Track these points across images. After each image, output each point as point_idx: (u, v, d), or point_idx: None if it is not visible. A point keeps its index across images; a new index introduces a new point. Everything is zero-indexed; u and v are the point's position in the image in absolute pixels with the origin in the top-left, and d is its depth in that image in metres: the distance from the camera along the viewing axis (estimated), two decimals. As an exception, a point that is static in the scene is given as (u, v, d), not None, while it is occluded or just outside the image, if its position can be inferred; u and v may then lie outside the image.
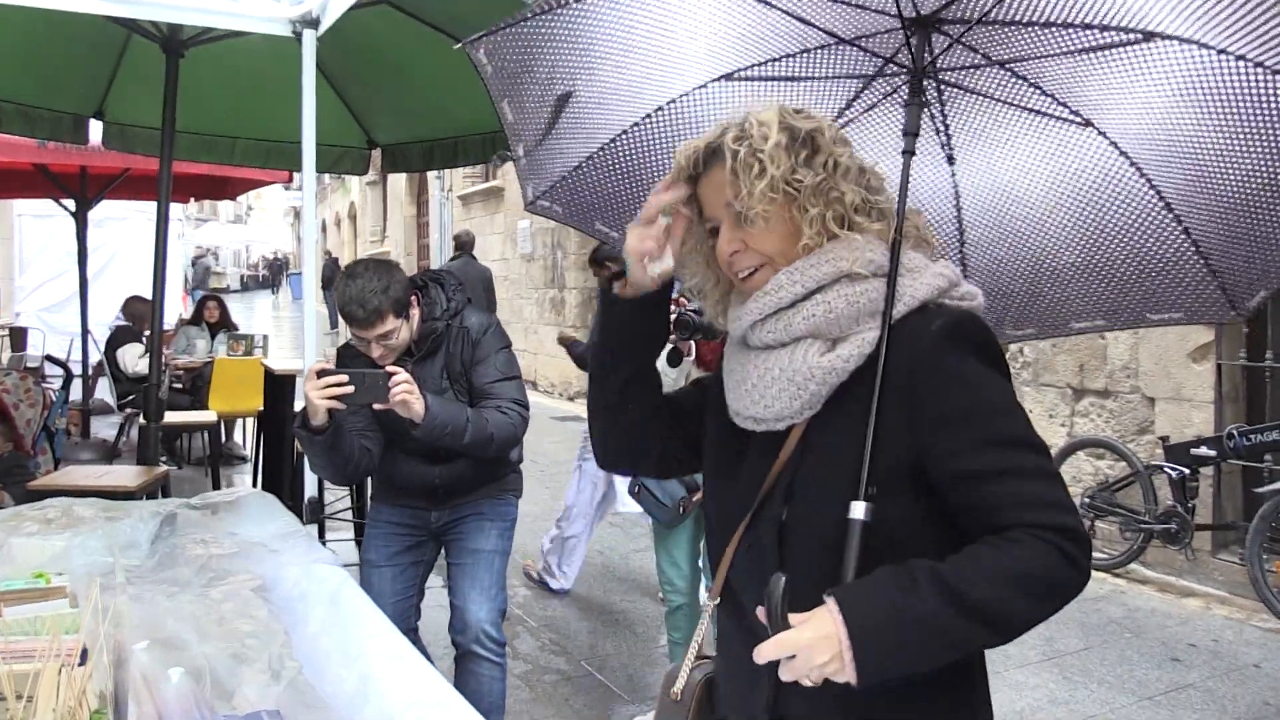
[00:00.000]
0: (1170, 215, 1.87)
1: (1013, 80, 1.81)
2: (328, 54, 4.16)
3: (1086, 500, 6.09)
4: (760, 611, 1.27)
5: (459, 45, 1.97)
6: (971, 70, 1.82)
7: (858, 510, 1.30)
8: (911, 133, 1.65)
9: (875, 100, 1.94)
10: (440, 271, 3.28)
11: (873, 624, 1.22)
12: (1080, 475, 6.39)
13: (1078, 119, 1.81)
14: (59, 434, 5.22)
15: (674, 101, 1.93)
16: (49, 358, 7.99)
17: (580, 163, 2.04)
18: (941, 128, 1.93)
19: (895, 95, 1.90)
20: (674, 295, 3.35)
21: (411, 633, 3.13)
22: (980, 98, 1.88)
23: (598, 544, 6.33)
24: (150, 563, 2.43)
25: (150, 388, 4.27)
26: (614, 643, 4.67)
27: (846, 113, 1.96)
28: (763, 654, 1.25)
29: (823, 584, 1.27)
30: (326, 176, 24.81)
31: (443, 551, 3.25)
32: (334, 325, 25.37)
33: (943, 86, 1.88)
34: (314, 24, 3.16)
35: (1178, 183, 1.83)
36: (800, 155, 1.40)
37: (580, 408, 12.19)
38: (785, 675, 1.24)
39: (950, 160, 1.96)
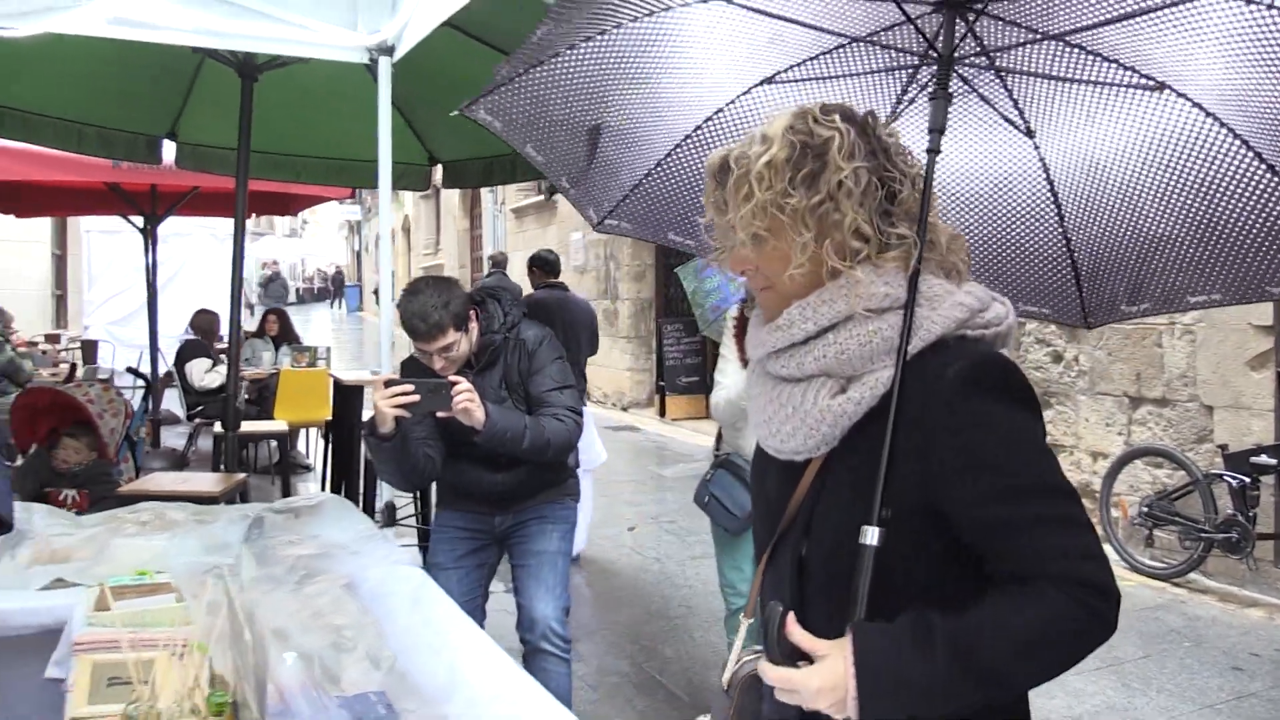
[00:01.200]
0: (1273, 176, 1.77)
1: (1068, 51, 1.76)
2: (392, 74, 4.31)
3: (1145, 509, 6.07)
4: (763, 667, 1.31)
5: (455, 112, 2.06)
6: (1026, 47, 1.77)
7: (870, 535, 1.29)
8: (936, 129, 1.59)
9: (920, 91, 1.93)
10: (497, 288, 3.42)
11: (882, 676, 1.22)
12: (1138, 484, 6.36)
13: (1150, 83, 1.75)
14: (140, 443, 5.43)
15: (721, 111, 2.00)
16: (131, 369, 8.29)
17: (640, 180, 2.13)
18: (1008, 103, 1.88)
19: (961, 82, 1.86)
20: (743, 299, 3.45)
21: (479, 633, 3.26)
22: (1039, 74, 1.83)
23: (655, 552, 6.44)
24: (243, 563, 2.57)
25: (228, 398, 4.45)
26: (674, 647, 4.76)
27: (903, 99, 1.94)
28: (766, 675, 1.29)
29: (837, 613, 1.29)
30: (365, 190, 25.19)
31: (505, 555, 3.38)
32: (389, 337, 25.74)
33: (1003, 73, 1.84)
34: (389, 51, 3.31)
35: (1273, 141, 1.73)
36: (800, 172, 1.34)
37: (633, 418, 12.31)
38: (780, 698, 1.29)
39: (1029, 133, 1.91)
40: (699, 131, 2.04)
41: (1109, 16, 1.63)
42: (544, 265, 6.97)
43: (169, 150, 6.23)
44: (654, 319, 12.92)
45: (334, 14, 3.23)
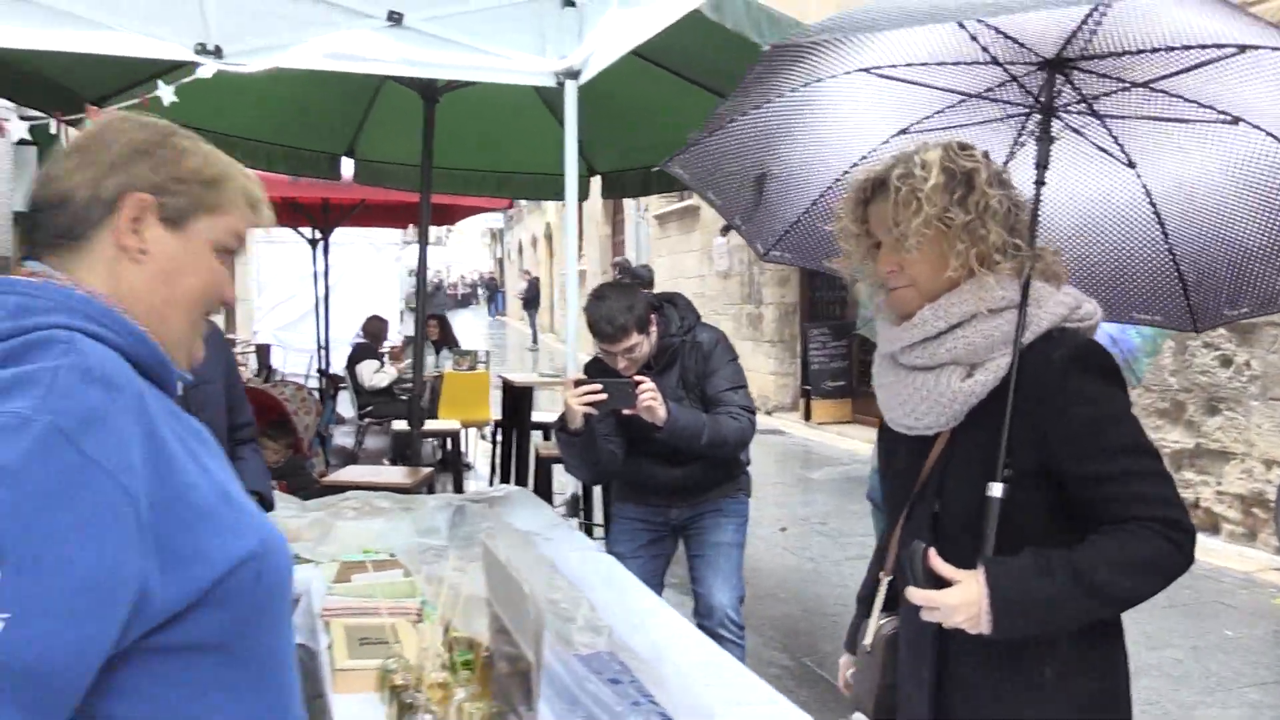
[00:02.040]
0: None
1: (1154, 95, 2.01)
2: (555, 90, 4.54)
3: (1323, 518, 5.83)
4: (910, 590, 1.60)
5: (657, 168, 2.54)
6: (1118, 94, 2.04)
7: (995, 490, 1.59)
8: (1041, 165, 1.91)
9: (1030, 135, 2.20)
10: (674, 293, 3.62)
11: (1011, 595, 1.53)
12: (1316, 492, 6.11)
13: (1227, 118, 1.99)
14: (329, 439, 5.86)
15: (866, 157, 2.28)
16: (321, 371, 8.89)
17: (799, 217, 2.46)
18: (1110, 141, 2.16)
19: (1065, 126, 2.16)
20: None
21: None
22: (1133, 117, 2.10)
23: (809, 552, 6.55)
24: (453, 544, 2.83)
25: (413, 398, 4.79)
26: (832, 643, 4.86)
27: (1017, 142, 2.22)
28: (913, 596, 1.59)
29: (967, 557, 1.57)
30: (523, 200, 25.97)
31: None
32: (535, 342, 26.50)
33: (1102, 116, 2.11)
34: (575, 75, 3.54)
35: None
36: (955, 194, 1.64)
37: (778, 421, 12.38)
38: (925, 616, 1.59)
39: (1131, 165, 2.19)
40: (846, 175, 2.32)
41: (1179, 68, 1.90)
42: (633, 275, 8.96)
43: (347, 166, 6.67)
44: (798, 323, 12.96)
45: (524, 41, 3.47)
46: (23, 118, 3.66)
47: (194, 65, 3.29)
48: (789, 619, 5.26)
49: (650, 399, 3.06)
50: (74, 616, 0.86)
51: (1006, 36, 1.91)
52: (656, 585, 3.50)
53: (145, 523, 0.91)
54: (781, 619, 5.24)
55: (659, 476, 3.40)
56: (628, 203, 19.13)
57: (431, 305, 28.18)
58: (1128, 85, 1.99)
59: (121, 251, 1.09)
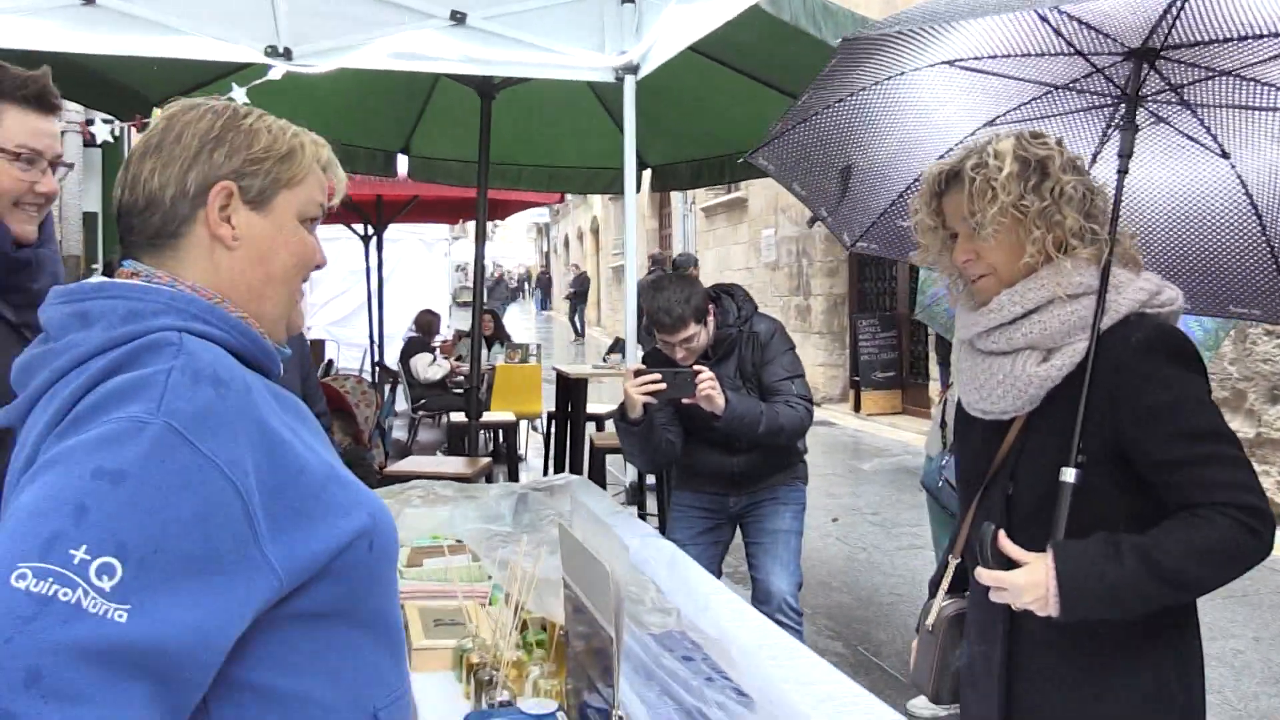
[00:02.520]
0: None
1: (1245, 84, 2.01)
2: (609, 85, 4.59)
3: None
4: (980, 571, 1.64)
5: (743, 159, 2.59)
6: (1207, 83, 2.03)
7: (1068, 475, 1.61)
8: (1125, 154, 1.92)
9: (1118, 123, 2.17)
10: (732, 284, 3.67)
11: (1079, 578, 1.54)
12: (1380, 483, 6.00)
13: None
14: (389, 431, 5.97)
15: (953, 149, 2.28)
16: (379, 364, 9.06)
17: (885, 209, 2.49)
18: (1202, 131, 2.15)
19: (1151, 115, 2.15)
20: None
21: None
22: (1224, 105, 2.09)
23: (861, 542, 6.56)
24: (518, 531, 2.90)
25: (471, 390, 4.88)
26: (887, 632, 4.89)
27: (1106, 133, 2.23)
28: (982, 577, 1.62)
29: (1039, 540, 1.60)
30: (570, 194, 26.07)
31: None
32: (579, 335, 26.63)
33: (1191, 106, 2.10)
34: (634, 70, 3.59)
35: None
36: (1030, 182, 1.67)
37: (827, 413, 12.35)
38: (994, 597, 1.62)
39: (1224, 155, 2.17)
40: None
41: (1270, 55, 1.90)
42: (675, 265, 9.75)
43: (402, 163, 6.78)
44: (847, 314, 12.92)
45: (583, 37, 3.54)
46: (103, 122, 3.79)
47: (263, 66, 3.40)
48: (842, 608, 5.29)
49: (709, 388, 3.11)
50: (192, 602, 0.91)
51: (1089, 27, 1.93)
52: (714, 573, 3.55)
53: (257, 513, 0.97)
54: (835, 608, 5.27)
55: (717, 465, 3.46)
56: (675, 195, 19.13)
57: (490, 299, 28.47)
58: (1215, 73, 1.99)
59: (216, 241, 1.13)
